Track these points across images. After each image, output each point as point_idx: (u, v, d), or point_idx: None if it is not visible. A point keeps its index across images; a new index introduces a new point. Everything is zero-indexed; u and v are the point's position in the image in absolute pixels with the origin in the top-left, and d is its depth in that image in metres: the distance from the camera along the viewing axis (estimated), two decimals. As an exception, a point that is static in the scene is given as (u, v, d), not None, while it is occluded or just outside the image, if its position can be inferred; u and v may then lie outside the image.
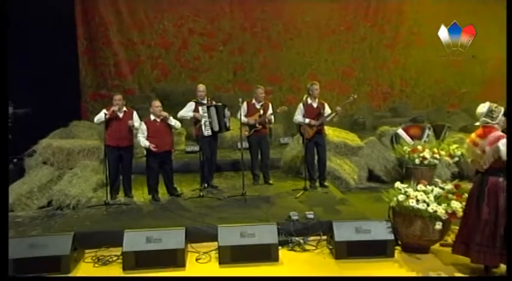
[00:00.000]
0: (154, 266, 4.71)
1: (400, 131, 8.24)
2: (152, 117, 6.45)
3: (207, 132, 6.78)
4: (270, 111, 7.07)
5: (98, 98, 11.07)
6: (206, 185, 6.89)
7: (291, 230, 5.34)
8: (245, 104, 7.05)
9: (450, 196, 4.84)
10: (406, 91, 12.76)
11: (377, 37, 12.47)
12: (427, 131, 8.17)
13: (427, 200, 4.81)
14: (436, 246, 5.06)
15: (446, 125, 8.86)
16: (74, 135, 8.51)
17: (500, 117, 4.32)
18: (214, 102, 6.96)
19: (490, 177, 4.27)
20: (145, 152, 6.64)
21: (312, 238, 5.35)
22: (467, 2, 11.34)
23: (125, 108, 6.58)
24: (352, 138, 8.33)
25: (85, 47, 11.14)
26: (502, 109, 4.34)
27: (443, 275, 4.46)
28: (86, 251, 5.08)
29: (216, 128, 6.82)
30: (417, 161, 7.17)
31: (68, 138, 8.23)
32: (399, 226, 4.98)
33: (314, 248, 5.19)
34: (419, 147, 7.34)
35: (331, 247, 5.05)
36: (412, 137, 8.01)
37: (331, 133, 8.03)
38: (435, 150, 7.27)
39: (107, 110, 6.40)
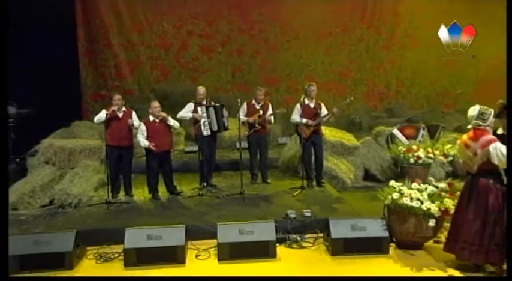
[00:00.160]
0: (155, 262, 4.78)
1: (396, 131, 8.32)
2: (151, 118, 6.53)
3: (206, 132, 6.88)
4: (270, 112, 7.16)
5: (99, 98, 11.11)
6: (205, 184, 6.99)
7: (288, 227, 5.43)
8: (245, 104, 7.16)
9: (443, 194, 4.95)
10: (402, 92, 12.85)
11: (373, 38, 12.55)
12: (421, 131, 8.24)
13: (420, 198, 4.91)
14: (430, 243, 5.15)
15: (441, 126, 8.93)
16: (75, 135, 8.55)
17: (491, 119, 4.43)
18: (213, 103, 7.05)
19: (481, 179, 4.38)
20: (145, 152, 6.73)
21: (308, 235, 5.44)
22: (462, 4, 11.44)
23: (124, 108, 6.66)
24: (348, 138, 8.40)
25: (85, 49, 11.17)
26: (492, 111, 4.46)
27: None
28: (88, 248, 5.16)
29: (215, 128, 6.93)
30: (412, 160, 7.26)
31: (69, 138, 8.27)
32: (394, 223, 5.09)
33: (311, 245, 5.29)
34: (414, 147, 7.42)
35: (327, 243, 5.15)
36: (407, 137, 8.08)
37: (328, 133, 8.12)
38: (429, 149, 7.35)
39: (107, 110, 6.49)
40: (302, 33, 12.19)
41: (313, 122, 6.92)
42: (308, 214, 5.65)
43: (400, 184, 5.17)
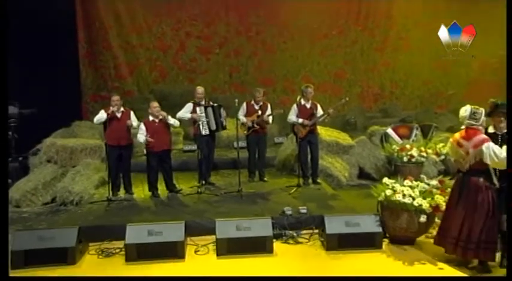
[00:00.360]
0: (155, 257, 4.87)
1: (390, 131, 8.47)
2: (151, 118, 6.64)
3: (204, 131, 7.00)
4: (268, 112, 7.26)
5: (98, 99, 11.18)
6: (204, 182, 7.08)
7: (284, 224, 5.53)
8: (245, 104, 7.28)
9: (434, 190, 5.08)
10: (395, 93, 12.99)
11: (367, 41, 12.69)
12: (415, 131, 8.38)
13: (412, 194, 5.03)
14: (422, 238, 5.27)
15: (434, 125, 9.06)
16: (76, 134, 8.61)
17: (483, 118, 4.51)
18: (211, 103, 7.17)
19: (472, 177, 4.46)
20: (145, 151, 6.83)
21: (304, 231, 5.54)
22: (454, 6, 11.57)
23: (122, 109, 6.73)
24: (343, 138, 8.51)
25: (86, 50, 11.27)
26: (483, 110, 4.54)
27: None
28: (90, 244, 5.25)
29: (213, 127, 7.04)
30: (405, 159, 7.41)
31: (70, 137, 8.34)
32: (387, 219, 5.21)
33: (307, 240, 5.39)
34: (408, 146, 7.56)
35: (322, 239, 5.26)
36: (400, 137, 8.22)
37: (324, 133, 8.22)
38: (422, 148, 7.49)
39: (106, 111, 6.58)
40: (298, 35, 12.30)
41: (309, 122, 7.01)
42: (304, 211, 5.76)
43: (393, 181, 5.28)
